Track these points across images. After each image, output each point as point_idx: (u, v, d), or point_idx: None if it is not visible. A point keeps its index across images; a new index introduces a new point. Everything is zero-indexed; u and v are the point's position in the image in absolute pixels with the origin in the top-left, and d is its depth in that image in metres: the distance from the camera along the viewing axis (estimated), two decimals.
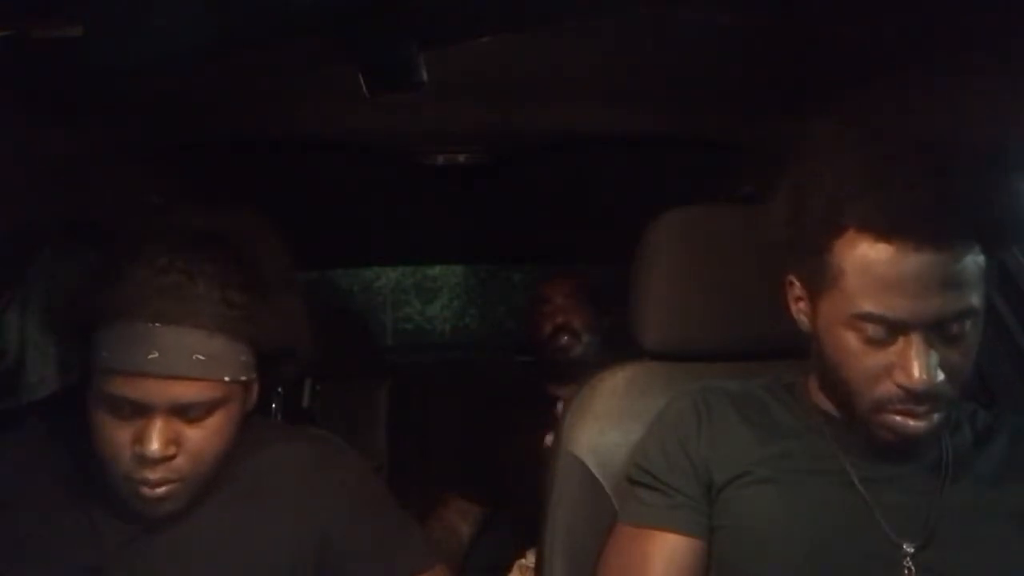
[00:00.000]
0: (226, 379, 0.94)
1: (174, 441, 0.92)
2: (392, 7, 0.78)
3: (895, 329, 0.85)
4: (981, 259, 0.85)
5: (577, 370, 1.74)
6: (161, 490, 0.93)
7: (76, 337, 0.96)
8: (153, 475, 0.92)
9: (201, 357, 0.91)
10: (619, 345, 1.23)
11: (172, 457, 0.93)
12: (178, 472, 0.94)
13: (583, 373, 1.19)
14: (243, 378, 0.97)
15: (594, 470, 1.09)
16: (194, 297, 0.91)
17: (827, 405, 0.98)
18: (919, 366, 0.84)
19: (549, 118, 1.43)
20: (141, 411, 0.91)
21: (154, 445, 0.91)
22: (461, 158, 1.69)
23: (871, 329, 0.86)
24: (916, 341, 0.84)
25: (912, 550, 0.90)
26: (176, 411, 0.92)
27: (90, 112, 1.21)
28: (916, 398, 0.86)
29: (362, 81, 0.89)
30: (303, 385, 1.76)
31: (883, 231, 0.83)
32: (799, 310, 0.96)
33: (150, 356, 0.89)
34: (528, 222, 2.11)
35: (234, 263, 0.95)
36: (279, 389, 1.55)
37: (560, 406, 1.22)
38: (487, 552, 1.87)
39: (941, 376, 0.84)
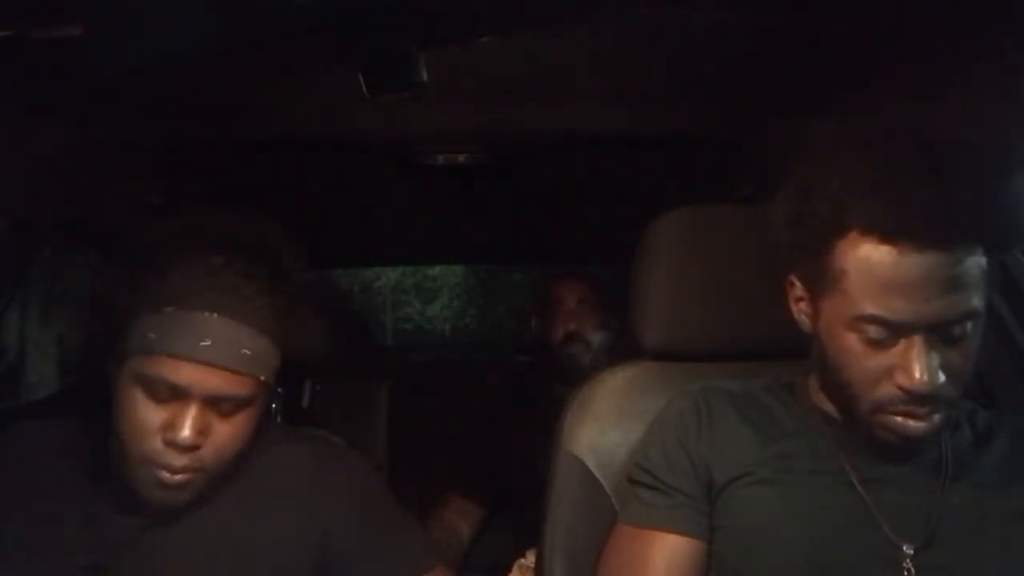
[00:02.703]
0: (262, 378, 0.96)
1: (203, 431, 0.94)
2: (392, 7, 0.78)
3: (897, 331, 0.85)
4: (983, 261, 0.85)
5: (587, 373, 1.74)
6: (180, 477, 0.94)
7: (107, 322, 0.97)
8: (178, 462, 0.93)
9: (248, 352, 0.94)
10: (627, 346, 1.23)
11: (199, 447, 0.94)
12: (200, 463, 0.95)
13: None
14: (271, 381, 0.99)
15: (594, 470, 1.09)
16: (248, 297, 0.94)
17: (827, 405, 0.98)
18: (920, 368, 0.84)
19: (549, 118, 1.43)
20: (178, 396, 0.93)
21: (186, 432, 0.92)
22: (461, 158, 1.69)
23: (873, 330, 0.86)
24: (918, 343, 0.84)
25: (912, 550, 0.90)
26: (211, 402, 0.94)
27: (90, 112, 1.21)
28: (917, 400, 0.86)
29: (362, 81, 0.89)
30: (303, 385, 1.76)
31: (886, 233, 0.83)
32: (800, 311, 0.96)
33: (202, 343, 0.92)
34: (528, 222, 2.11)
35: (280, 272, 0.99)
36: (279, 389, 1.55)
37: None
38: (487, 552, 1.87)
39: (942, 378, 0.84)
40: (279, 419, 1.54)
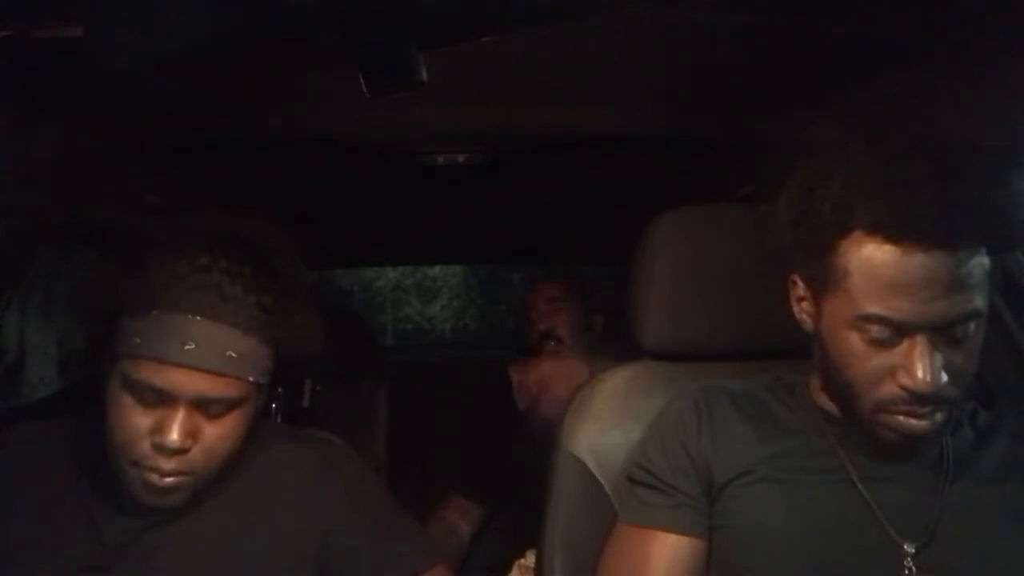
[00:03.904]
0: (251, 379, 0.96)
1: (192, 434, 0.93)
2: (392, 7, 0.78)
3: (900, 331, 0.85)
4: (986, 261, 0.85)
5: (570, 373, 1.75)
6: (170, 480, 0.94)
7: (99, 323, 0.97)
8: (167, 465, 0.93)
9: (233, 354, 0.93)
10: (615, 344, 1.23)
11: (188, 450, 0.94)
12: (190, 465, 0.94)
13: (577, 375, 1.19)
14: (263, 381, 0.98)
15: (594, 470, 1.09)
16: (233, 297, 0.93)
17: (828, 405, 0.98)
18: (923, 368, 0.84)
19: (549, 118, 1.43)
20: (165, 400, 0.92)
21: (174, 435, 0.92)
22: (461, 158, 1.69)
23: (875, 330, 0.86)
24: (920, 343, 0.84)
25: (913, 549, 0.90)
26: (199, 404, 0.93)
27: (90, 112, 1.21)
28: (920, 400, 0.86)
29: (362, 81, 0.89)
30: (303, 385, 1.76)
31: (891, 233, 0.83)
32: (802, 310, 0.96)
33: (186, 347, 0.91)
34: (528, 222, 2.11)
35: (268, 270, 0.98)
36: (279, 389, 1.55)
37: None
38: (487, 552, 1.87)
39: (945, 378, 0.84)
40: (279, 419, 1.55)
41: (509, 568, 1.67)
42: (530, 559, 1.58)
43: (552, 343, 1.91)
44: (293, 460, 1.06)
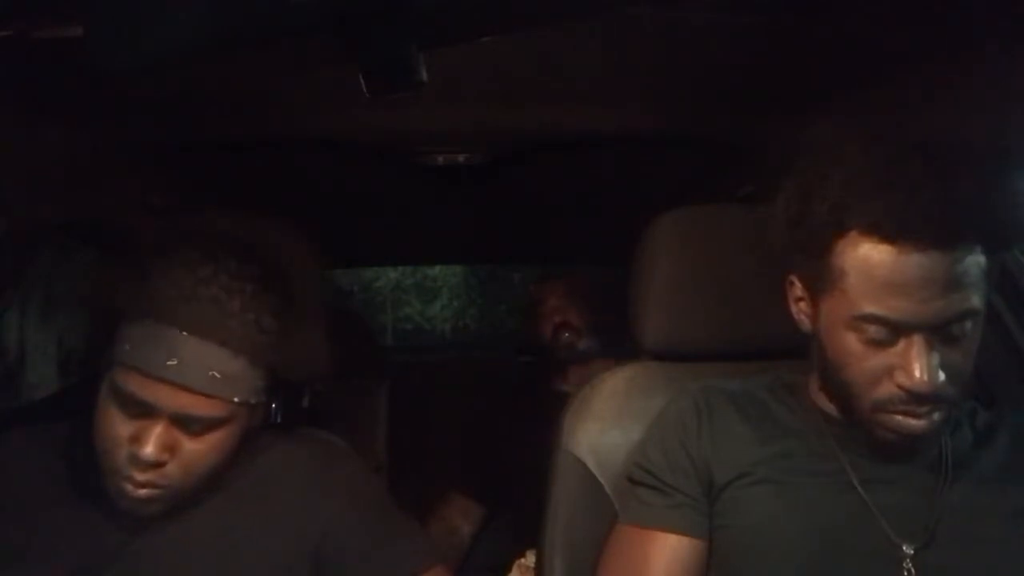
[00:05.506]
0: (235, 400, 0.95)
1: (169, 448, 0.93)
2: (392, 7, 0.78)
3: (897, 330, 0.85)
4: (983, 260, 0.85)
5: (585, 364, 1.76)
6: (143, 492, 0.94)
7: (99, 326, 0.96)
8: (142, 476, 0.93)
9: (217, 375, 0.92)
10: (620, 343, 1.23)
11: (163, 464, 0.93)
12: (166, 479, 0.94)
13: (591, 367, 1.19)
14: (252, 401, 0.97)
15: (594, 470, 1.09)
16: (229, 314, 0.92)
17: (827, 405, 0.98)
18: (920, 367, 0.84)
19: (549, 118, 1.43)
20: (146, 412, 0.92)
21: (148, 448, 0.91)
22: (461, 158, 1.69)
23: (872, 330, 0.86)
24: (918, 342, 0.84)
25: (912, 551, 0.90)
26: (179, 421, 0.93)
27: (90, 112, 1.21)
28: (917, 399, 0.86)
29: (362, 81, 0.89)
30: (303, 386, 1.76)
31: (887, 233, 0.83)
32: (800, 310, 0.96)
33: (168, 362, 0.90)
34: (528, 222, 2.11)
35: (273, 284, 0.96)
36: (279, 390, 1.55)
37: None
38: (487, 552, 1.88)
39: (942, 377, 0.84)
40: (279, 419, 1.55)
41: (509, 568, 1.68)
42: (530, 559, 1.59)
43: (568, 334, 1.91)
44: (293, 460, 1.06)
